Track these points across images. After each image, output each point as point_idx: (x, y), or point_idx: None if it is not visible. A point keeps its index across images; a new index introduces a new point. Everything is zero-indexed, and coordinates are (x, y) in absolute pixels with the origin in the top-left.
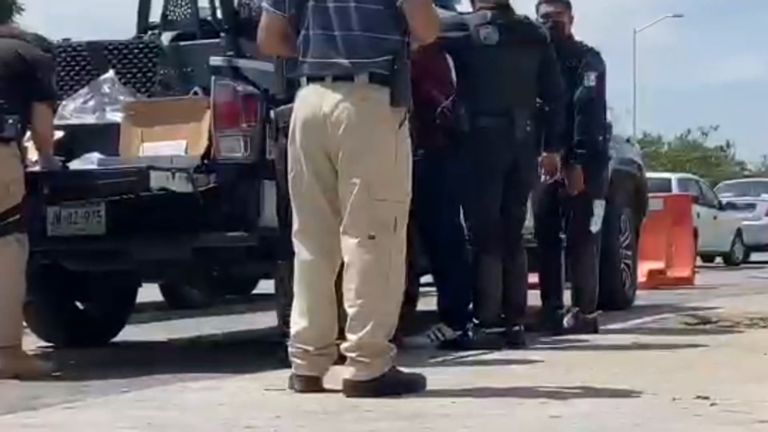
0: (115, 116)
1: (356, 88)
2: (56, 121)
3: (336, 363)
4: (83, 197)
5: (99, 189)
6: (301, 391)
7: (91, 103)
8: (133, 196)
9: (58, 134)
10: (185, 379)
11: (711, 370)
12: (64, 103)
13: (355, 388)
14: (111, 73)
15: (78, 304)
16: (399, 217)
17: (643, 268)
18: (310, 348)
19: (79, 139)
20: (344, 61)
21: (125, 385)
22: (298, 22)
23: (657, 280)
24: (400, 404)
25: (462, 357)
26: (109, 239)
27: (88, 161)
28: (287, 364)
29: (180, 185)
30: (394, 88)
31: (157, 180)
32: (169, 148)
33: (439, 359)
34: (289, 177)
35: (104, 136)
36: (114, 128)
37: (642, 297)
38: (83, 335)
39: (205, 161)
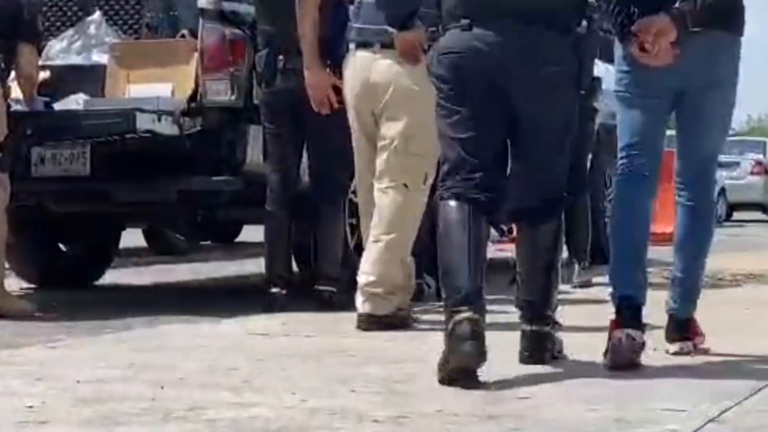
0: (102, 57)
1: (373, 54)
2: (42, 62)
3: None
4: (68, 138)
5: (84, 130)
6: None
7: (78, 44)
8: (118, 138)
9: (44, 75)
10: (168, 322)
11: None
12: (50, 43)
13: (371, 323)
14: (97, 14)
15: (61, 245)
16: (429, 172)
17: None
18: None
19: (64, 79)
20: (394, 30)
21: (107, 326)
22: None
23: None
24: (383, 349)
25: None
26: (94, 181)
27: (74, 102)
28: (269, 310)
29: (166, 128)
30: None
31: (143, 122)
32: (156, 90)
33: (422, 307)
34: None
35: (90, 77)
36: (100, 69)
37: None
38: (66, 277)
39: (192, 104)
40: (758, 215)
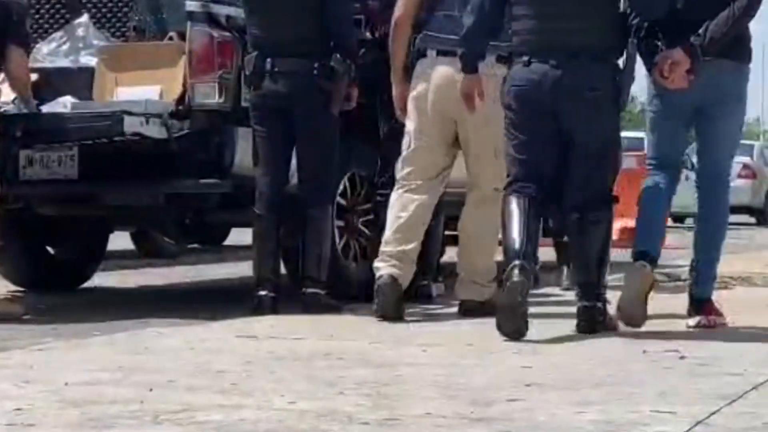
0: (90, 60)
1: (486, 66)
2: (30, 64)
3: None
4: (56, 141)
5: (72, 133)
6: (382, 317)
7: (66, 46)
8: (106, 141)
9: (32, 77)
10: (156, 325)
11: (680, 326)
12: (38, 46)
13: (473, 308)
14: (85, 17)
15: (49, 248)
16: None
17: (616, 226)
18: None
19: (52, 82)
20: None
21: (96, 329)
22: (432, 4)
23: (629, 238)
24: (371, 352)
25: (432, 308)
26: (82, 184)
27: (62, 105)
28: (258, 312)
29: (154, 131)
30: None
31: (130, 125)
32: (144, 93)
33: (409, 309)
34: (412, 130)
35: (78, 80)
36: (88, 72)
37: (614, 254)
38: (54, 280)
39: (180, 107)
40: (746, 218)
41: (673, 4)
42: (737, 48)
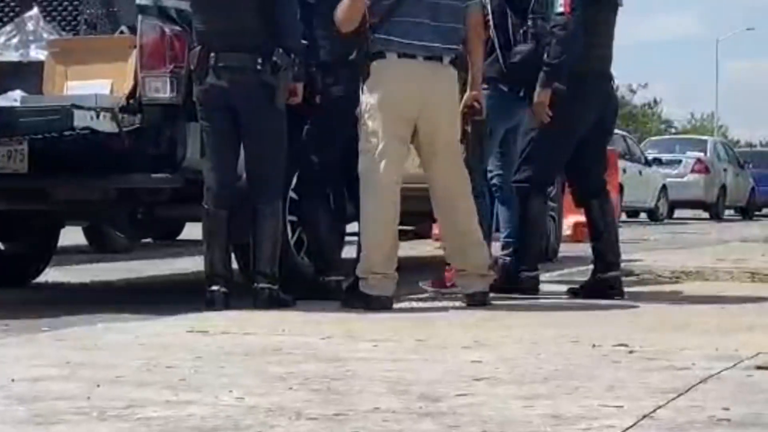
0: (40, 54)
1: (444, 68)
2: None
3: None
4: (5, 135)
5: (22, 127)
6: (375, 310)
7: (15, 40)
8: (56, 135)
9: None
10: (107, 320)
11: (631, 320)
12: None
13: (484, 299)
14: (35, 10)
15: None
16: None
17: (569, 221)
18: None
19: (1, 76)
20: (437, 45)
21: (45, 324)
22: (390, 8)
23: (581, 233)
24: (322, 347)
25: None
26: (32, 178)
27: (11, 99)
28: (210, 308)
29: (104, 125)
30: (460, 68)
31: (81, 119)
32: (94, 87)
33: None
34: (379, 130)
35: (28, 74)
36: (38, 66)
37: (566, 249)
38: (4, 275)
39: (131, 101)
40: (699, 213)
41: None
42: None
